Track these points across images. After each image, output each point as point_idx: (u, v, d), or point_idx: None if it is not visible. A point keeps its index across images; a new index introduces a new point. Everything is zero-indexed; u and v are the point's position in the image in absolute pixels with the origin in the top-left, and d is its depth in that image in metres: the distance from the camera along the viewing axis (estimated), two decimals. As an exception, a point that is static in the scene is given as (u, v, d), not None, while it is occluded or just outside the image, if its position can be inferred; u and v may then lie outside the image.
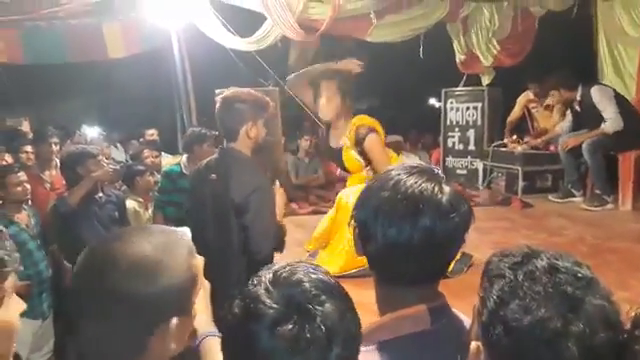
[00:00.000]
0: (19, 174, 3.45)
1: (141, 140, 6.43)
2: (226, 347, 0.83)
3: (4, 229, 0.82)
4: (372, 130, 3.15)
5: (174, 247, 0.89)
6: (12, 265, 0.80)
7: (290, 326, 0.74)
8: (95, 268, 0.84)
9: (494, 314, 0.79)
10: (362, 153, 3.16)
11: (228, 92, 2.48)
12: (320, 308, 0.76)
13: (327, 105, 3.16)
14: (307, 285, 0.78)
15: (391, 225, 0.97)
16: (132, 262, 0.83)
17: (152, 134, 6.75)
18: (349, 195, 3.16)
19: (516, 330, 0.76)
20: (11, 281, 0.80)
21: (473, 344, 0.85)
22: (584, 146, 4.59)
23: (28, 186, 3.49)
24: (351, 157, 3.22)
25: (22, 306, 0.83)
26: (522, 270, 0.80)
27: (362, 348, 0.95)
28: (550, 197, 5.03)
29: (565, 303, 0.76)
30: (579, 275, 0.80)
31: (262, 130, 2.45)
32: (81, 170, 3.48)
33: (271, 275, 0.81)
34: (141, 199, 4.32)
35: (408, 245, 0.96)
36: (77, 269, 0.85)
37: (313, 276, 0.81)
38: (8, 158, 4.67)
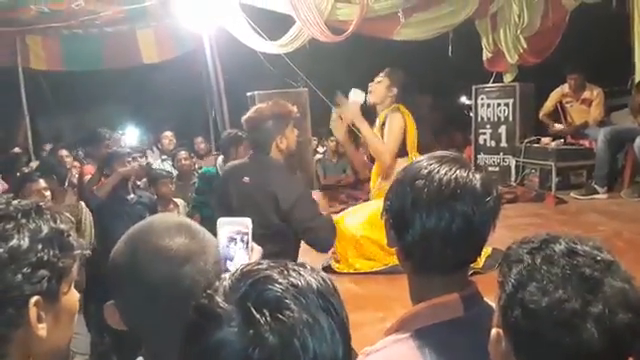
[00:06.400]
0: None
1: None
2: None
3: (73, 219, 0.90)
4: (397, 110, 3.24)
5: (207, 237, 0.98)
6: (81, 249, 0.87)
7: (232, 329, 0.62)
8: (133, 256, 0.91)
9: (512, 297, 0.80)
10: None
11: (250, 112, 2.55)
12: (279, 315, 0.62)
13: (374, 87, 3.27)
14: (276, 287, 0.64)
15: (430, 213, 0.99)
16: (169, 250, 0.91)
17: (169, 137, 6.77)
18: None
19: (534, 312, 0.76)
20: (77, 266, 0.87)
21: (493, 330, 0.85)
22: (638, 144, 4.43)
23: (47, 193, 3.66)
24: None
25: (78, 294, 0.90)
26: (540, 254, 0.81)
27: (398, 336, 1.00)
28: (572, 194, 4.90)
29: (583, 284, 0.76)
30: (598, 258, 0.79)
31: (293, 136, 2.53)
32: (117, 166, 3.84)
33: (240, 271, 0.68)
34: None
35: (447, 231, 0.99)
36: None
37: (291, 279, 0.65)
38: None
